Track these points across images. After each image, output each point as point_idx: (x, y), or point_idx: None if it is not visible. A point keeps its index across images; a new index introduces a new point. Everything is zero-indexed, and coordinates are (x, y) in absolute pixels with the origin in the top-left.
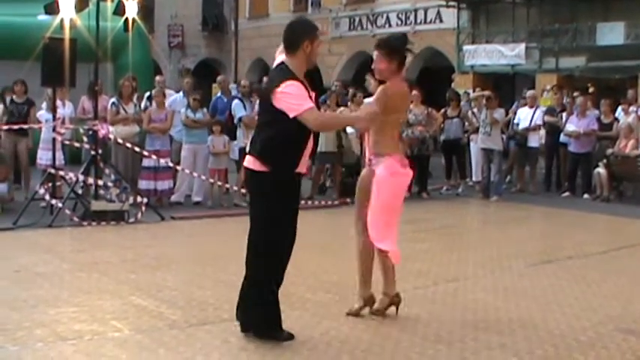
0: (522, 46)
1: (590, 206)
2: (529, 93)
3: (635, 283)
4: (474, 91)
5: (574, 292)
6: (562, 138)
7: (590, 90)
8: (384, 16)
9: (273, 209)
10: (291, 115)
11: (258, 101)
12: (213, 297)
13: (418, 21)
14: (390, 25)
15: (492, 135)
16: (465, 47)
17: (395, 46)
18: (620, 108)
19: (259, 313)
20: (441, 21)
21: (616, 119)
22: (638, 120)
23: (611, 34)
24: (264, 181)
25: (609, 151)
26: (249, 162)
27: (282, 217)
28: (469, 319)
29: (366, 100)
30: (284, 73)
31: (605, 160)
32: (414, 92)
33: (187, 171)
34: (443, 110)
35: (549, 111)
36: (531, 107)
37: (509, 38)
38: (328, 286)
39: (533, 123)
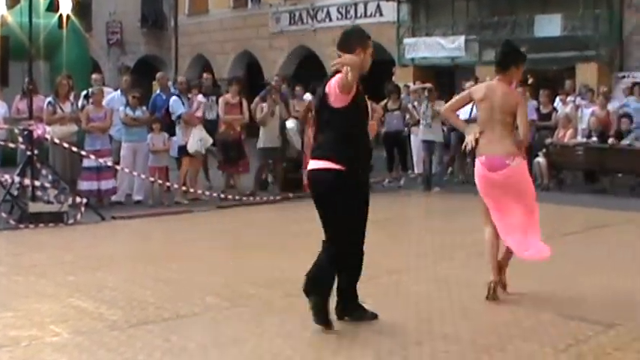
0: (462, 38)
1: None
2: (468, 85)
3: (578, 269)
4: (414, 83)
5: (511, 280)
6: None
7: (529, 81)
8: (325, 10)
9: (349, 203)
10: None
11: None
12: (154, 296)
13: (358, 15)
14: (330, 20)
15: (433, 127)
16: (406, 40)
17: None
18: (558, 98)
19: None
20: (381, 15)
21: (554, 109)
22: (576, 110)
23: (549, 26)
24: (339, 178)
25: (548, 140)
26: (319, 164)
27: (356, 210)
28: (411, 310)
29: (306, 95)
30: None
31: (544, 150)
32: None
33: (127, 170)
34: (383, 103)
35: None
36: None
37: (448, 31)
38: (271, 282)
39: (472, 115)
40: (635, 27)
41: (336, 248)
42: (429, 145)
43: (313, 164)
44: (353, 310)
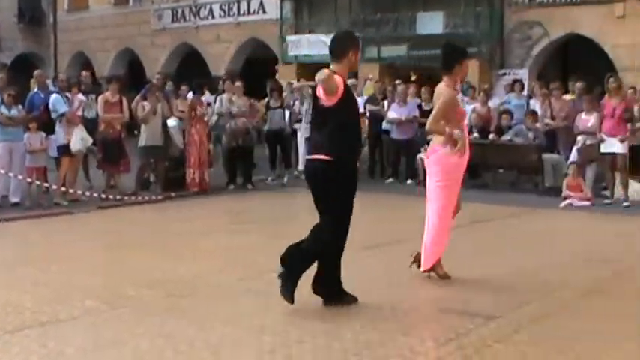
0: None
1: (414, 191)
2: (350, 82)
3: (459, 263)
4: (298, 81)
5: (399, 275)
6: (384, 125)
7: (412, 78)
8: (207, 7)
9: (347, 191)
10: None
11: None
12: (32, 300)
13: (241, 12)
14: (213, 17)
15: None
16: (288, 38)
17: None
18: None
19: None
20: (264, 12)
21: None
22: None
23: (431, 23)
24: (334, 169)
25: (430, 137)
26: (317, 156)
27: (351, 198)
28: (293, 307)
29: (190, 94)
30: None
31: (426, 146)
32: (237, 83)
33: (3, 171)
34: (265, 101)
35: (371, 100)
36: None
37: (331, 28)
38: (151, 282)
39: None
40: (515, 25)
41: (330, 234)
42: None
43: (310, 157)
44: (337, 292)
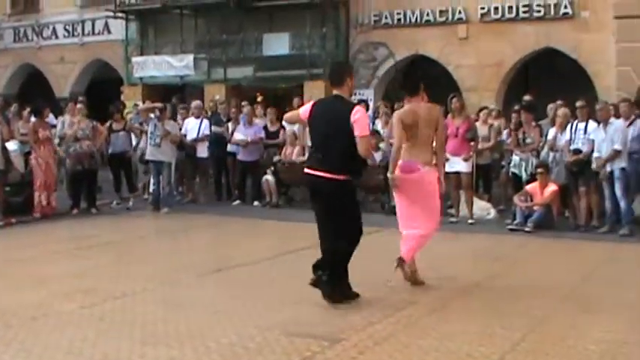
0: (191, 57)
1: (261, 213)
2: (194, 104)
3: (301, 286)
4: (143, 102)
5: (242, 299)
6: (230, 147)
7: (259, 99)
8: (51, 27)
9: (355, 205)
10: (361, 134)
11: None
12: None
13: (86, 32)
14: (57, 37)
15: (162, 147)
16: (134, 59)
17: None
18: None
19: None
20: (109, 32)
21: (282, 127)
22: (304, 128)
23: (277, 44)
24: (346, 186)
25: (276, 158)
26: (327, 174)
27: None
28: (137, 335)
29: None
30: (349, 101)
31: (272, 167)
32: (79, 106)
33: None
34: (108, 124)
35: (217, 121)
36: (197, 118)
37: (177, 49)
38: None
39: (201, 133)
40: (361, 46)
41: (345, 240)
42: (157, 165)
43: (320, 174)
44: (342, 287)
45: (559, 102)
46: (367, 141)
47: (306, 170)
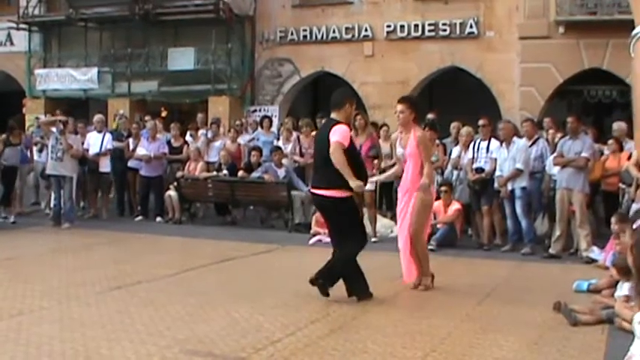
0: (95, 70)
1: (163, 229)
2: (97, 118)
3: (202, 304)
4: (45, 116)
5: (142, 317)
6: (132, 162)
7: (163, 114)
8: None
9: (356, 218)
10: (331, 140)
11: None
12: None
13: None
14: None
15: (64, 161)
16: (37, 71)
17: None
18: (189, 132)
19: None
20: (12, 44)
21: (186, 143)
22: (207, 144)
23: (182, 59)
24: (347, 202)
25: (179, 173)
26: (323, 191)
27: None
28: (32, 354)
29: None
30: (334, 121)
31: (175, 183)
32: None
33: None
34: (4, 136)
35: (118, 136)
36: (100, 132)
37: (81, 62)
38: None
39: (103, 148)
40: (266, 62)
41: (350, 248)
42: (59, 179)
43: (318, 192)
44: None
45: (456, 123)
46: (336, 146)
47: (310, 190)
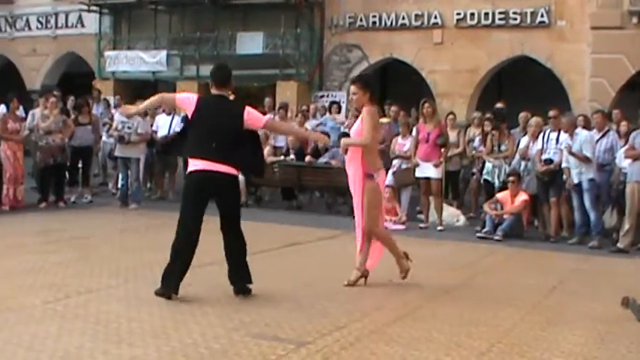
0: (164, 53)
1: None
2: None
3: (269, 288)
4: (114, 97)
5: (209, 299)
6: None
7: (230, 97)
8: (24, 18)
9: None
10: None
11: None
12: None
13: (59, 25)
14: (30, 29)
15: (132, 143)
16: (107, 53)
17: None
18: None
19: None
20: (82, 26)
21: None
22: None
23: (251, 43)
24: (237, 181)
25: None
26: (231, 169)
27: None
28: (100, 332)
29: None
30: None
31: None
32: (52, 99)
33: None
34: (73, 116)
35: (186, 118)
36: (169, 114)
37: (151, 45)
38: None
39: (172, 130)
40: (334, 47)
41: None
42: (125, 160)
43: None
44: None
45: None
46: None
47: None
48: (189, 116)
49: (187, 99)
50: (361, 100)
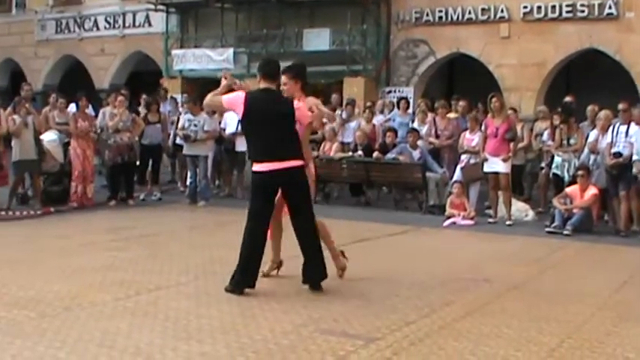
0: (230, 50)
1: None
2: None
3: (338, 284)
4: (182, 95)
5: (277, 295)
6: None
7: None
8: (92, 19)
9: None
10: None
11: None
12: None
13: (127, 24)
14: (98, 29)
15: (199, 141)
16: (174, 52)
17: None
18: None
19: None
20: (149, 25)
21: (321, 123)
22: (342, 124)
23: (317, 39)
24: (303, 172)
25: (314, 154)
26: (295, 162)
27: None
28: (169, 329)
29: (71, 106)
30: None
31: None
32: (120, 98)
33: None
34: (143, 115)
35: None
36: None
37: (217, 43)
38: (23, 302)
39: (240, 127)
40: (401, 43)
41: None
42: (193, 159)
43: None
44: None
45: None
46: None
47: None
48: (241, 115)
49: (235, 99)
50: (292, 90)
